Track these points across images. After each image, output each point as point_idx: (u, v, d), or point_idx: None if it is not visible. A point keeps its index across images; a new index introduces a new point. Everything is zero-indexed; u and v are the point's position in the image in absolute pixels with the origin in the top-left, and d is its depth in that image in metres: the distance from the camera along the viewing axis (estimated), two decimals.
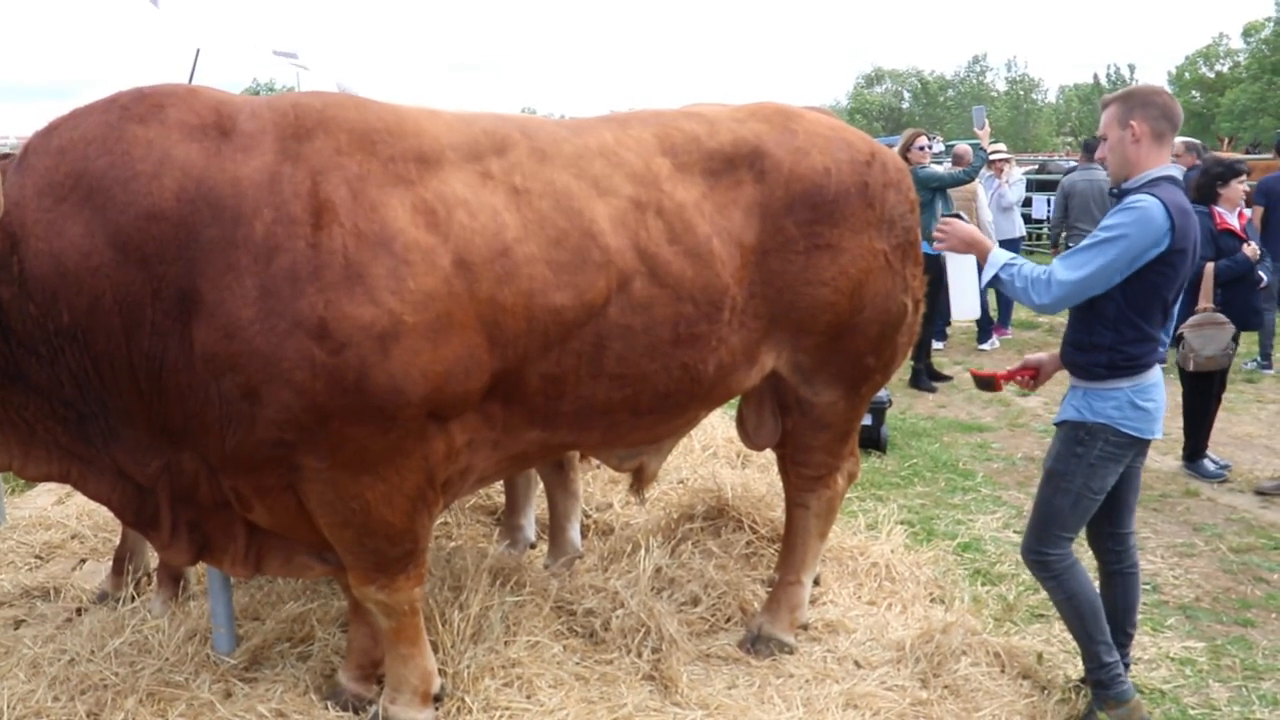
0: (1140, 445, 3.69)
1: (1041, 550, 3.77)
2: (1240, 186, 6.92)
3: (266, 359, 3.00)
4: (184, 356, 3.03)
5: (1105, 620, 3.80)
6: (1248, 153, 20.28)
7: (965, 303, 3.89)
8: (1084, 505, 3.70)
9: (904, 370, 9.79)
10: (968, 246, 3.80)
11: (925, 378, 9.80)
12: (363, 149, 3.20)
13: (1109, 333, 3.55)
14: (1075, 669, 4.18)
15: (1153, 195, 3.43)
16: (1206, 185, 6.92)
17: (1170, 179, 3.55)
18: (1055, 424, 3.83)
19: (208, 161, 3.04)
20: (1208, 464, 6.98)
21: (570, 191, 3.46)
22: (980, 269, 3.80)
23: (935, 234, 3.86)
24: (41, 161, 3.04)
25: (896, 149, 9.58)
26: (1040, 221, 18.37)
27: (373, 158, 3.20)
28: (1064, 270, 3.46)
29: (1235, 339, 6.56)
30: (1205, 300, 6.48)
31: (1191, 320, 6.36)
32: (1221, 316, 6.39)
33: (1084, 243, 3.51)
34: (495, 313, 3.25)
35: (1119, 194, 3.65)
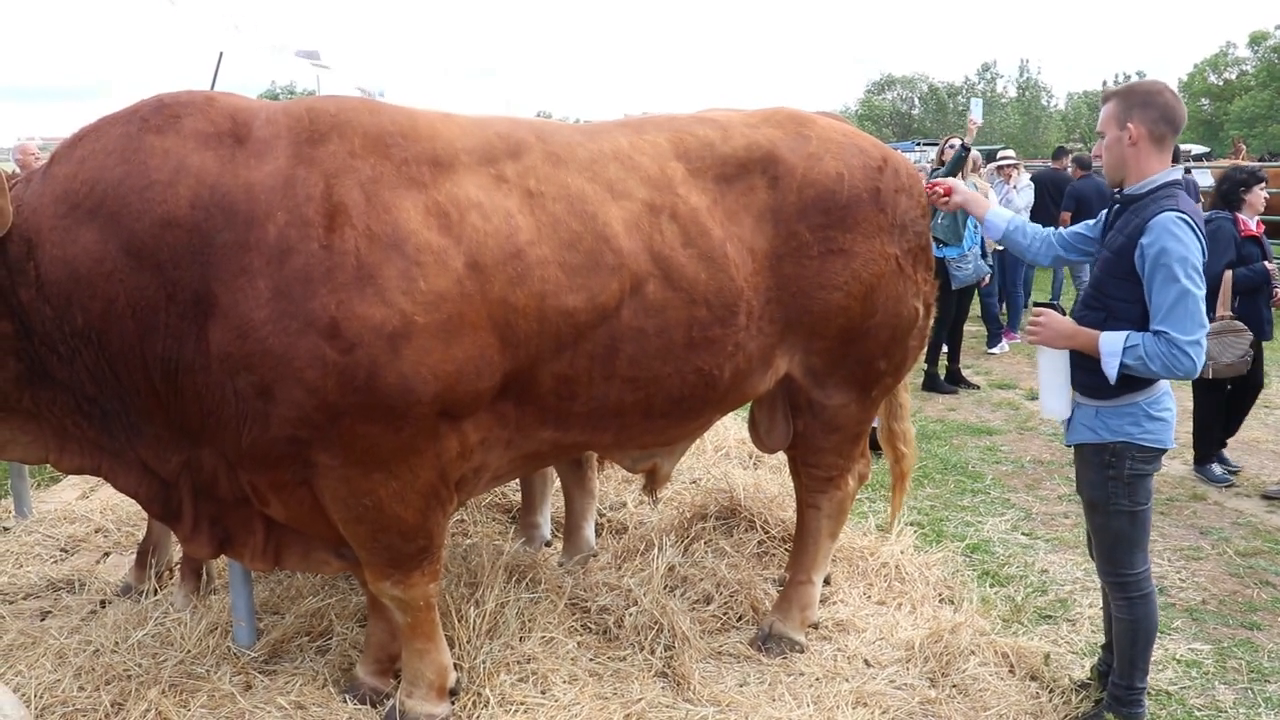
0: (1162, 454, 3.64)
1: (1118, 571, 3.68)
2: (1261, 193, 6.92)
3: (279, 358, 3.06)
4: (200, 357, 3.10)
5: (1152, 651, 3.80)
6: (1262, 159, 20.26)
7: (1057, 402, 3.68)
8: (1141, 518, 3.62)
9: (914, 374, 9.87)
10: (1067, 340, 3.56)
11: (942, 380, 9.86)
12: (376, 152, 3.25)
13: None
14: (1081, 669, 4.23)
15: (1177, 213, 3.34)
16: (1231, 191, 6.96)
17: (1179, 184, 3.47)
18: (1070, 445, 3.77)
19: (222, 168, 3.12)
20: (1215, 468, 7.01)
21: (584, 195, 3.50)
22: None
23: (1028, 327, 3.69)
24: (63, 170, 3.13)
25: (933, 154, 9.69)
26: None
27: (386, 161, 3.25)
28: (1180, 332, 3.28)
29: (1253, 346, 6.60)
30: (1224, 308, 6.50)
31: (1210, 328, 6.38)
32: (1240, 324, 6.39)
33: (1169, 294, 3.31)
34: (507, 314, 3.30)
35: (1122, 200, 3.57)
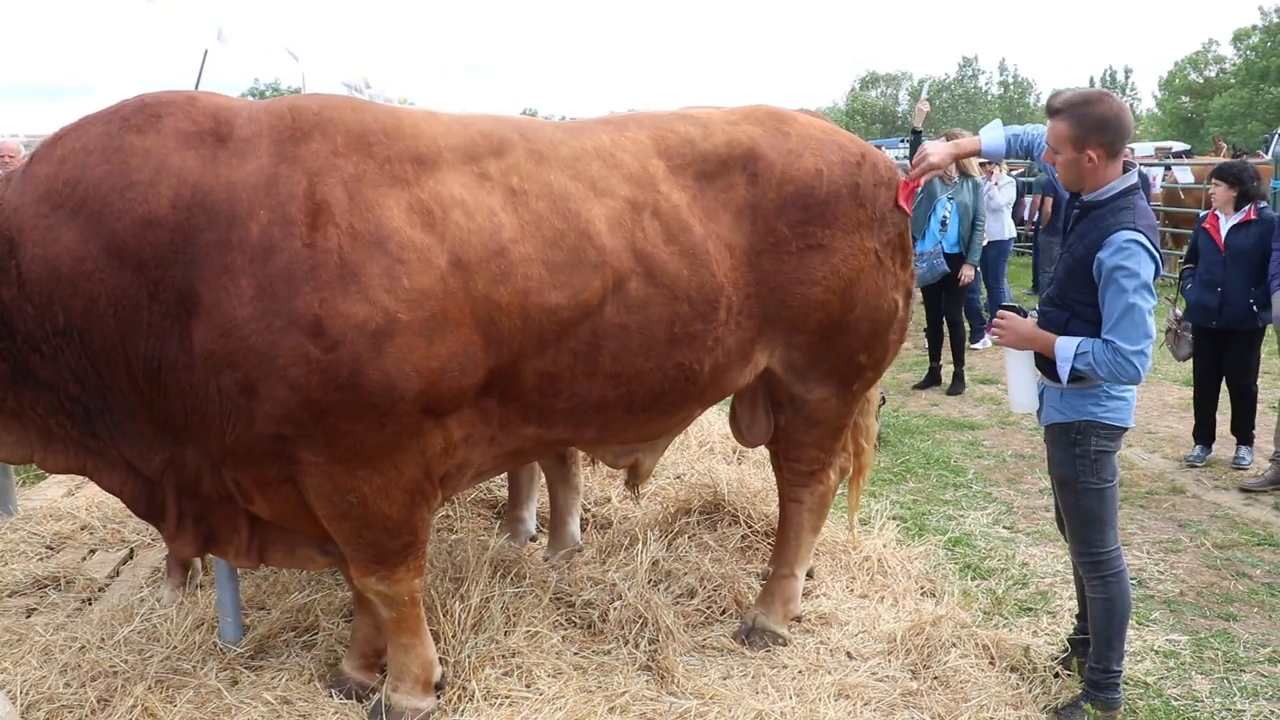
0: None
1: (1090, 550, 3.80)
2: (1213, 187, 7.07)
3: (263, 356, 3.08)
4: (183, 355, 3.12)
5: (1127, 631, 3.92)
6: (1236, 155, 20.41)
7: (1024, 398, 3.87)
8: (1109, 494, 3.75)
9: (904, 369, 9.93)
10: (1027, 343, 3.73)
11: (960, 382, 9.80)
12: (359, 150, 3.27)
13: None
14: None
15: (1133, 231, 3.44)
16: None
17: (1135, 190, 3.59)
18: (1043, 425, 3.90)
19: (203, 168, 3.13)
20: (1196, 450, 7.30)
21: (567, 193, 3.53)
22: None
23: (993, 330, 3.83)
24: (43, 169, 3.14)
25: None
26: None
27: (369, 159, 3.27)
28: (1126, 341, 3.43)
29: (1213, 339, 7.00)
30: None
31: None
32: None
33: (1118, 305, 3.45)
34: (491, 311, 3.32)
35: (1081, 207, 3.67)
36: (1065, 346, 3.58)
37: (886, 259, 4.12)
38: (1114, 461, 3.76)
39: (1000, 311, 3.82)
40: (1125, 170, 3.62)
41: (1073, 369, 3.56)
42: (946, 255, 9.43)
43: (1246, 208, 6.85)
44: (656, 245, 3.63)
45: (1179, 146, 29.55)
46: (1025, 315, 3.78)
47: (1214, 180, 7.09)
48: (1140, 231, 3.47)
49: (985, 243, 10.31)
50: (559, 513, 5.24)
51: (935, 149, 4.20)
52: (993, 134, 4.18)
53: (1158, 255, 3.51)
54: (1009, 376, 3.90)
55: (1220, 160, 16.77)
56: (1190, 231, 14.22)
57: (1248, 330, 6.91)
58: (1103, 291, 3.51)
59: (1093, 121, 3.51)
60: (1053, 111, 3.61)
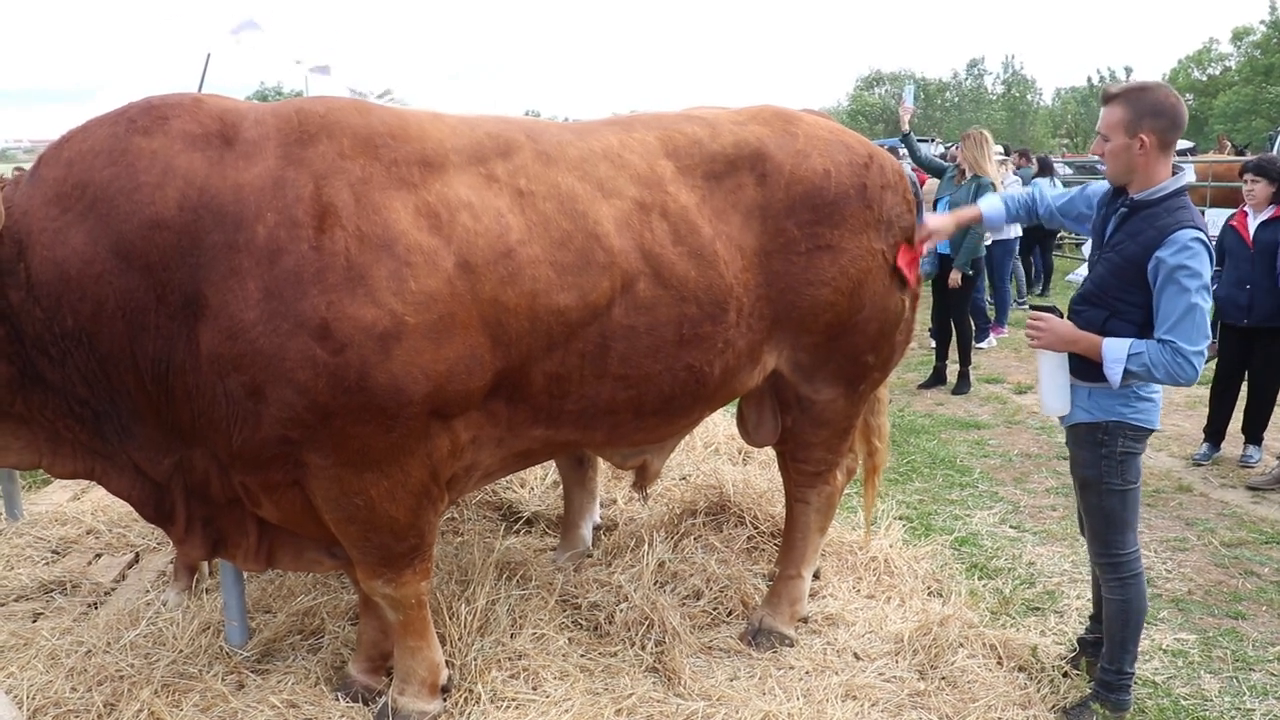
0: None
1: (1110, 552, 3.77)
2: (1245, 185, 6.96)
3: (270, 359, 3.07)
4: (191, 358, 3.11)
5: (1141, 634, 3.89)
6: (1239, 153, 20.36)
7: (1057, 401, 3.78)
8: (1131, 497, 3.72)
9: (909, 369, 9.89)
10: (1069, 345, 3.63)
11: (966, 381, 9.76)
12: (366, 153, 3.26)
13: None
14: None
15: (1195, 230, 3.41)
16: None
17: (1185, 190, 3.54)
18: (1066, 426, 3.84)
19: (210, 170, 3.12)
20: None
21: (575, 194, 3.52)
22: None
23: (1029, 331, 3.74)
24: (51, 172, 3.13)
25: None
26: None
27: (376, 161, 3.26)
28: (1186, 341, 3.39)
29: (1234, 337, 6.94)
30: None
31: None
32: None
33: (1178, 305, 3.40)
34: (498, 313, 3.32)
35: (1132, 206, 3.58)
36: (1116, 348, 3.51)
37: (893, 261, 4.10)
38: (1138, 463, 3.72)
39: (1035, 313, 3.75)
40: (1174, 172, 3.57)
41: (1125, 370, 3.49)
42: (940, 256, 9.40)
43: (1275, 205, 6.79)
44: (665, 246, 3.62)
45: (1183, 144, 29.50)
46: (1062, 316, 3.72)
47: (1250, 176, 6.94)
48: (1200, 230, 3.43)
49: (989, 242, 10.29)
50: (572, 515, 5.23)
51: (935, 220, 4.25)
52: (991, 202, 4.24)
53: (1213, 256, 3.48)
54: (1042, 378, 3.79)
55: (1222, 158, 16.74)
56: None
57: (1277, 328, 6.84)
58: (1160, 291, 3.45)
59: (1147, 105, 3.47)
60: (1108, 98, 3.58)
